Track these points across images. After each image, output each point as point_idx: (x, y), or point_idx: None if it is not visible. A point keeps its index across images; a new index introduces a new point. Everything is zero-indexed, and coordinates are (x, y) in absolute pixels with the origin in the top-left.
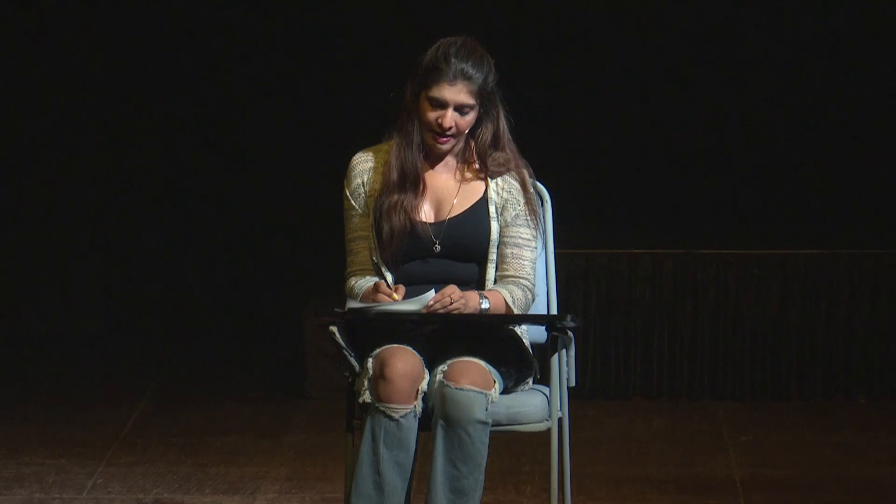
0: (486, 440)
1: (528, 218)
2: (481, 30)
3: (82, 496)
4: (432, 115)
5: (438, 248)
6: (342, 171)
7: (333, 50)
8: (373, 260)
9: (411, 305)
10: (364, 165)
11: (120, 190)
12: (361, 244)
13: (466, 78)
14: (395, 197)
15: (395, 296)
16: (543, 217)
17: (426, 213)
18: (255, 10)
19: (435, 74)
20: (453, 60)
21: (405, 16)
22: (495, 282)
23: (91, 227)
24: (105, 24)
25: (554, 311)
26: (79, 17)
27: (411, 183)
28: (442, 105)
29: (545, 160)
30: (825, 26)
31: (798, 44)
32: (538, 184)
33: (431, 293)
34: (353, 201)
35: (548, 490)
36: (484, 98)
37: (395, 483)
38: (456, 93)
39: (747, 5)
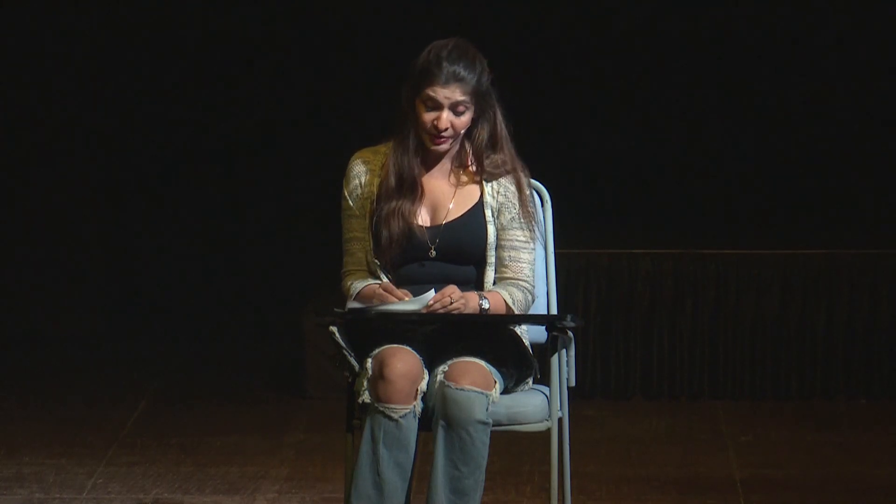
0: (487, 440)
1: (524, 220)
2: (480, 29)
3: (82, 496)
4: (428, 116)
5: (434, 253)
6: (341, 169)
7: (331, 49)
8: (367, 261)
9: (411, 305)
10: (361, 167)
11: (120, 190)
12: (357, 245)
13: (459, 80)
14: (394, 204)
15: (405, 297)
16: (543, 217)
17: (423, 218)
18: (253, 9)
19: (427, 77)
20: (444, 63)
21: (396, 16)
22: (494, 284)
23: (91, 227)
24: (104, 23)
25: (554, 311)
26: (78, 17)
27: (408, 188)
28: (437, 106)
29: (545, 160)
30: (824, 26)
31: (797, 43)
32: (538, 184)
33: (431, 293)
34: (350, 202)
35: (548, 490)
36: (479, 98)
37: (395, 483)
38: (450, 93)
39: (746, 6)
